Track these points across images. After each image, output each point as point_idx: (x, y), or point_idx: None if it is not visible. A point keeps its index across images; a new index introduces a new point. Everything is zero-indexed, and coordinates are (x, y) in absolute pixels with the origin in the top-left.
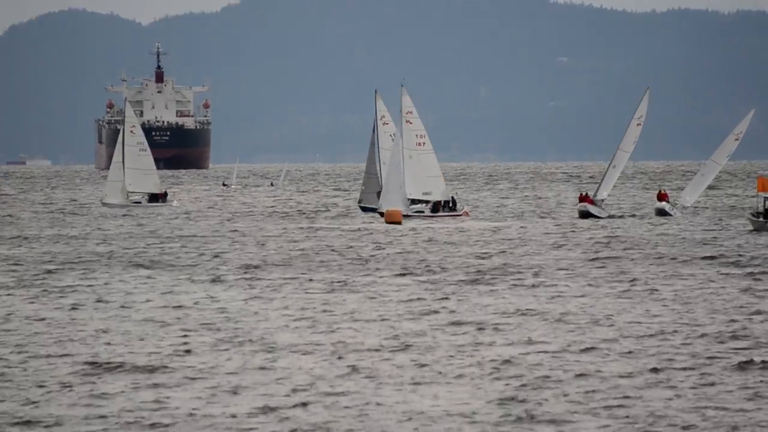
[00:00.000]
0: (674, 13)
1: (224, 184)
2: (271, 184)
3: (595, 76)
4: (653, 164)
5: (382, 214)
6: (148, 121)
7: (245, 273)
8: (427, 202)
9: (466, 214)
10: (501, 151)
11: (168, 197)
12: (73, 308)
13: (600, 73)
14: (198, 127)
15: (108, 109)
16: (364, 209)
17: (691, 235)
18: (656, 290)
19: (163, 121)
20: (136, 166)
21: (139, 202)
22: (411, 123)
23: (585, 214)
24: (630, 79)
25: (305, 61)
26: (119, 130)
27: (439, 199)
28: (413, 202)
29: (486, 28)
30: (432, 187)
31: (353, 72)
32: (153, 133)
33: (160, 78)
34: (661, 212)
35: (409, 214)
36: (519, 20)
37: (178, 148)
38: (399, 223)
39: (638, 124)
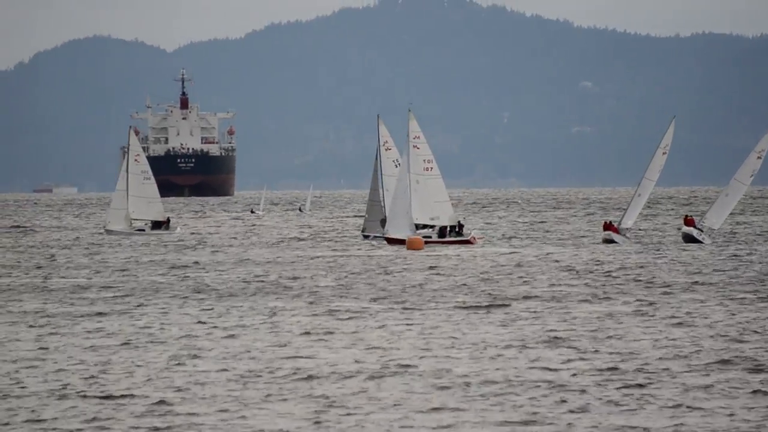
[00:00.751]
0: (698, 37)
1: (252, 211)
2: (300, 210)
3: (619, 101)
4: (678, 190)
5: (388, 240)
6: (173, 148)
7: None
8: (433, 226)
9: (474, 239)
10: (524, 176)
11: (171, 224)
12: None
13: (624, 97)
14: (223, 153)
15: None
16: (366, 237)
17: (722, 263)
18: (686, 318)
19: (188, 148)
20: (140, 194)
21: (143, 230)
22: (418, 148)
23: (609, 242)
24: (654, 103)
25: (329, 87)
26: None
27: (446, 224)
28: (420, 227)
29: (510, 52)
30: (439, 212)
31: (377, 97)
32: (178, 160)
33: (185, 104)
34: (689, 238)
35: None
36: (543, 45)
37: (203, 174)
38: (420, 249)
39: (664, 153)
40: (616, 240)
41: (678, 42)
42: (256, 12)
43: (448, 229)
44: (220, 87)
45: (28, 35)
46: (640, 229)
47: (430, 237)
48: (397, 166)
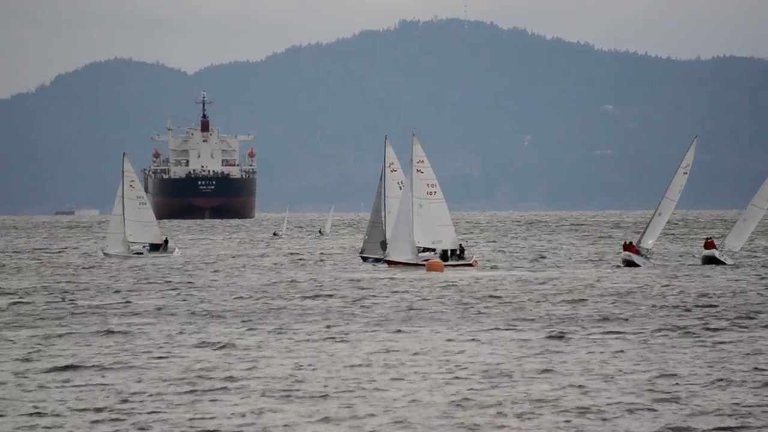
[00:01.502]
0: (719, 60)
1: (275, 234)
2: (320, 232)
3: (641, 124)
4: (700, 212)
5: (389, 263)
6: (194, 170)
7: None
8: (434, 250)
9: (476, 262)
10: (546, 199)
11: (169, 246)
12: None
13: (645, 120)
14: (243, 176)
15: (154, 159)
16: (365, 259)
17: (745, 285)
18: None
19: (209, 170)
20: (136, 219)
21: (141, 253)
22: (422, 172)
23: (629, 263)
24: (676, 126)
25: (350, 109)
26: (166, 179)
27: (448, 247)
28: (421, 250)
29: (531, 75)
30: (442, 235)
31: (397, 120)
32: (199, 183)
33: (205, 127)
34: (710, 260)
35: (418, 262)
36: (564, 68)
37: (224, 197)
38: (441, 271)
39: (684, 173)
40: (636, 262)
41: (699, 65)
42: (277, 35)
43: (449, 252)
44: (240, 109)
45: (50, 58)
46: (663, 249)
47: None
48: (401, 188)
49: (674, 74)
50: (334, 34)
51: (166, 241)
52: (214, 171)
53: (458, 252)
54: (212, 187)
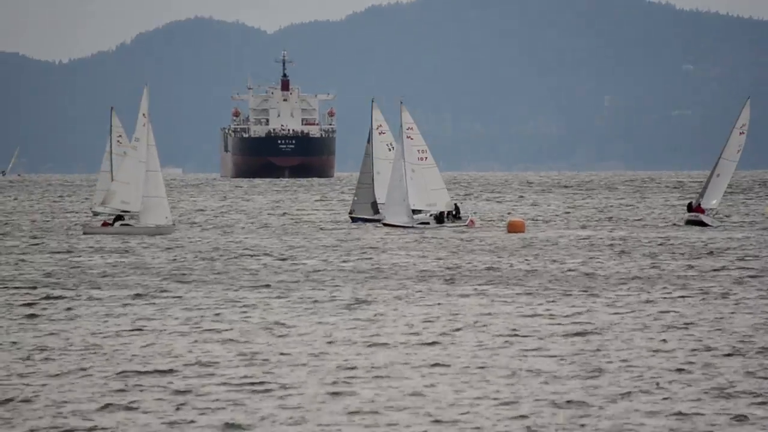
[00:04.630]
0: None
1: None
2: None
3: (721, 84)
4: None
5: (385, 225)
6: (274, 129)
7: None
8: (429, 212)
9: (472, 222)
10: (625, 159)
11: None
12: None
13: (726, 81)
14: (323, 135)
15: (234, 118)
16: (355, 220)
17: None
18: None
19: (289, 129)
20: None
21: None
22: (412, 138)
23: (693, 223)
24: (757, 86)
25: (429, 68)
26: (245, 138)
27: (443, 209)
28: (416, 212)
29: (612, 35)
30: (436, 198)
31: (476, 78)
32: (279, 142)
33: (285, 86)
34: (695, 223)
35: (414, 225)
36: (645, 28)
37: (303, 156)
38: (522, 232)
39: (741, 133)
40: (705, 221)
41: None
42: None
43: (446, 214)
44: (320, 69)
45: (130, 17)
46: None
47: (428, 223)
48: (390, 150)
49: (756, 33)
50: None
51: None
52: (293, 130)
53: (454, 213)
54: (292, 146)
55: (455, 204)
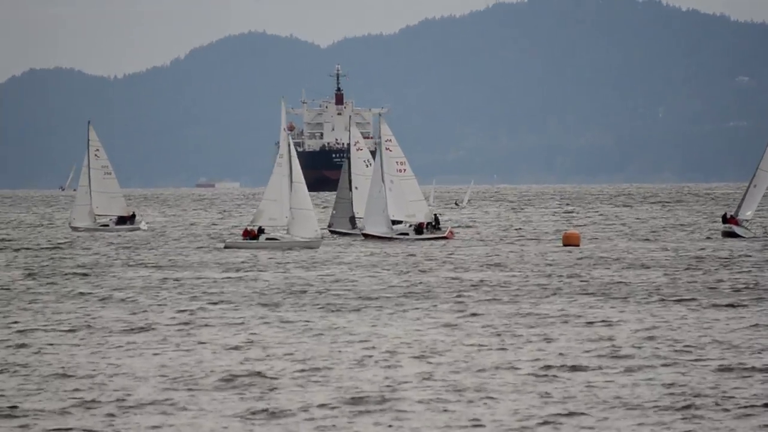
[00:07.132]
0: None
1: (456, 204)
2: (456, 204)
3: None
4: None
5: (365, 236)
6: (328, 143)
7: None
8: (410, 224)
9: (451, 233)
10: (679, 171)
11: (136, 219)
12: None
13: None
14: (377, 149)
15: (288, 132)
16: (334, 233)
17: None
18: None
19: (343, 143)
20: (102, 190)
21: (107, 225)
22: (391, 150)
23: (729, 234)
24: None
25: (483, 82)
26: (300, 152)
27: (422, 220)
28: (396, 222)
29: (666, 47)
30: (415, 210)
31: (530, 93)
32: (333, 155)
33: (339, 100)
34: (729, 234)
35: (393, 236)
36: (699, 39)
37: None
38: (577, 245)
39: None
40: (738, 232)
41: None
42: (410, 7)
43: (426, 225)
44: (374, 82)
45: (184, 32)
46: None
47: (407, 234)
48: (367, 166)
49: None
50: (467, 6)
51: (133, 215)
52: (347, 144)
53: (433, 224)
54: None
55: (435, 215)
